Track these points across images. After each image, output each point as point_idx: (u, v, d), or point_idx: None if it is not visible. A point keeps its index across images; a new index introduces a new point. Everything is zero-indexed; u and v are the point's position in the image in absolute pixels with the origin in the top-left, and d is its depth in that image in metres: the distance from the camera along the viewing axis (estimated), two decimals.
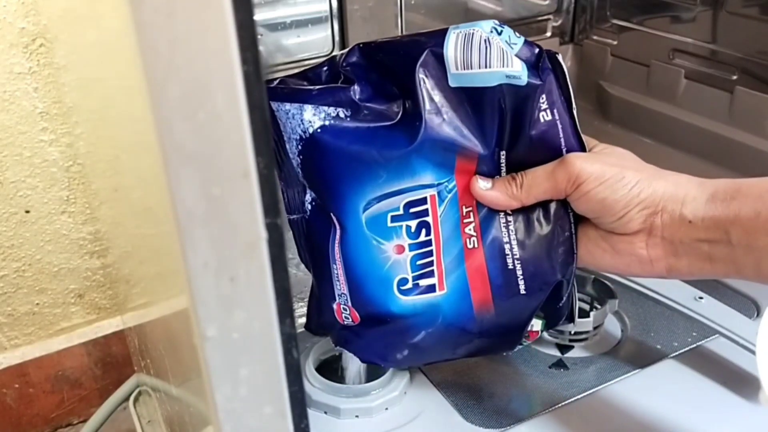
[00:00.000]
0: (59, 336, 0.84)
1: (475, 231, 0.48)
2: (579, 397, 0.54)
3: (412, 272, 0.47)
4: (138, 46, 0.22)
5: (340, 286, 0.49)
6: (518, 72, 0.45)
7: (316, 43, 0.83)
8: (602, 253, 0.46)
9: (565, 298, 0.50)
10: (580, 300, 0.63)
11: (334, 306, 0.50)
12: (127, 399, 0.80)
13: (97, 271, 0.83)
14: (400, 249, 0.47)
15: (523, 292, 0.48)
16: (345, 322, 0.50)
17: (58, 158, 0.76)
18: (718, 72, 0.78)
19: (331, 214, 0.47)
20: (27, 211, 0.76)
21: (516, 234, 0.48)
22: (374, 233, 0.47)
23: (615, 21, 0.88)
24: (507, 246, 0.48)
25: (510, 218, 0.48)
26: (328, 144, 0.46)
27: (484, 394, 0.55)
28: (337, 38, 0.84)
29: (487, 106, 0.46)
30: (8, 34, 0.69)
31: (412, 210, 0.47)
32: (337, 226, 0.47)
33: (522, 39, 0.46)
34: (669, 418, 0.52)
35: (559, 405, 0.54)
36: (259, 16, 0.80)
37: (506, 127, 0.47)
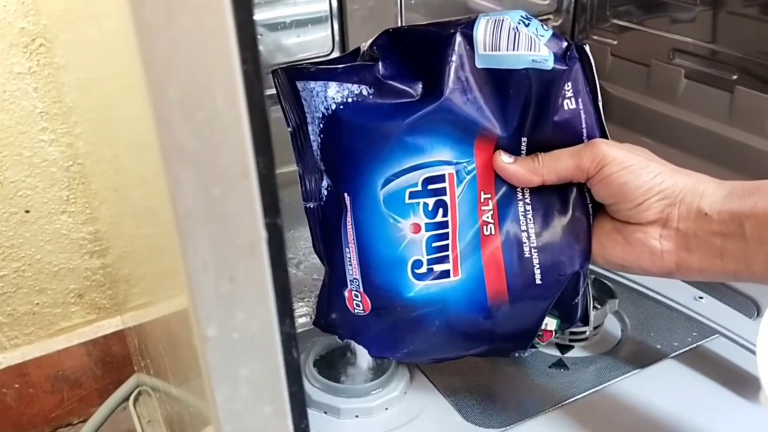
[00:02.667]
0: (59, 336, 0.84)
1: (492, 218, 0.48)
2: (579, 397, 0.54)
3: (427, 255, 0.47)
4: (138, 46, 0.22)
5: (353, 270, 0.48)
6: (545, 56, 0.45)
7: (316, 43, 0.83)
8: (613, 245, 0.46)
9: (581, 294, 0.49)
10: None
11: (346, 293, 0.49)
12: (127, 399, 0.80)
13: (97, 271, 0.83)
14: (417, 228, 0.47)
15: (539, 281, 0.48)
16: (356, 311, 0.49)
17: (58, 158, 0.76)
18: (718, 72, 0.78)
19: (346, 195, 0.47)
20: (27, 211, 0.76)
21: (534, 223, 0.48)
22: (391, 210, 0.47)
23: (615, 21, 0.88)
24: (524, 234, 0.48)
25: (528, 207, 0.48)
26: (349, 120, 0.46)
27: (484, 394, 0.55)
28: (337, 38, 0.84)
29: (512, 89, 0.46)
30: (8, 34, 0.69)
31: (431, 186, 0.46)
32: (349, 208, 0.47)
33: (550, 31, 0.47)
34: (669, 418, 0.52)
35: (559, 405, 0.54)
36: (259, 16, 0.80)
37: (529, 111, 0.47)
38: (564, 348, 0.60)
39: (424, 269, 0.47)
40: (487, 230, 0.48)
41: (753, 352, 0.52)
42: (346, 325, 0.51)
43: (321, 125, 0.47)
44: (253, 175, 0.24)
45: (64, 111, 0.73)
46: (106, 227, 0.74)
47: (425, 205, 0.47)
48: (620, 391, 0.55)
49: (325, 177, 0.49)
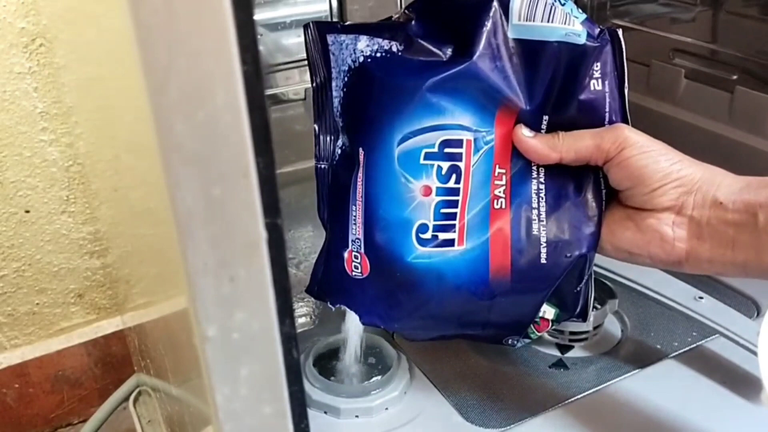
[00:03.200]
0: (59, 336, 0.84)
1: (504, 193, 0.47)
2: (579, 397, 0.54)
3: (434, 220, 0.46)
4: (138, 46, 0.22)
5: (356, 230, 0.48)
6: (578, 31, 0.46)
7: None
8: (623, 231, 0.46)
9: (584, 282, 0.49)
10: None
11: (345, 255, 0.49)
12: (127, 399, 0.80)
13: (97, 271, 0.83)
14: (427, 191, 0.46)
15: (544, 261, 0.47)
16: (353, 273, 0.49)
17: (58, 158, 0.76)
18: (718, 72, 0.78)
19: (361, 150, 0.47)
20: (27, 211, 0.76)
21: (545, 202, 0.47)
22: (404, 169, 0.46)
23: (615, 21, 0.88)
24: (535, 212, 0.47)
25: (542, 186, 0.47)
26: (375, 73, 0.46)
27: (484, 394, 0.55)
28: None
29: (542, 61, 0.46)
30: (8, 34, 0.69)
31: (447, 150, 0.46)
32: (362, 164, 0.47)
33: (584, 15, 0.47)
34: (669, 418, 0.52)
35: (559, 405, 0.54)
36: (259, 16, 0.80)
37: (555, 87, 0.47)
38: (564, 348, 0.60)
39: (428, 235, 0.47)
40: (497, 204, 0.47)
41: (753, 352, 0.52)
42: (341, 289, 0.50)
43: (346, 78, 0.48)
44: (253, 175, 0.24)
45: (64, 111, 0.73)
46: (106, 227, 0.74)
47: (439, 168, 0.46)
48: (620, 391, 0.55)
49: (341, 136, 0.49)
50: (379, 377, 0.54)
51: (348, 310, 0.51)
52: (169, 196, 0.23)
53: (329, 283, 0.51)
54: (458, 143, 0.46)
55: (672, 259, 0.45)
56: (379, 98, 0.46)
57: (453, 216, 0.47)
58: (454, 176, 0.46)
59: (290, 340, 0.27)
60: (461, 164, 0.46)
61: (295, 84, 0.85)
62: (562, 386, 0.56)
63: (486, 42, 0.46)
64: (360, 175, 0.47)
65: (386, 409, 0.54)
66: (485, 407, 0.54)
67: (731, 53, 0.77)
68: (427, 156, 0.46)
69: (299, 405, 0.29)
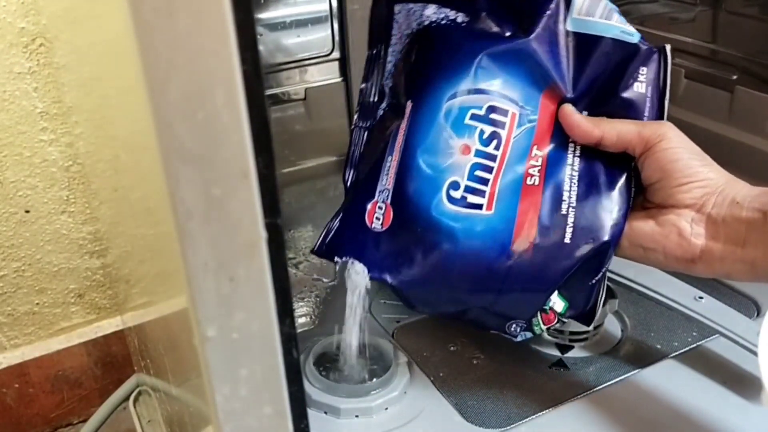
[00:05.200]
0: (59, 336, 0.84)
1: (538, 173, 0.48)
2: (579, 397, 0.54)
3: (467, 180, 0.47)
4: (138, 46, 0.22)
5: (387, 180, 0.48)
6: (632, 32, 0.49)
7: (316, 43, 0.83)
8: (642, 225, 0.47)
9: (598, 277, 0.49)
10: None
11: (369, 206, 0.49)
12: (127, 399, 0.80)
13: (97, 271, 0.83)
14: (467, 150, 0.47)
15: (567, 240, 0.47)
16: (373, 225, 0.49)
17: (57, 158, 0.76)
18: (718, 72, 0.78)
19: (409, 102, 0.49)
20: (27, 211, 0.76)
21: (578, 188, 0.48)
22: (449, 125, 0.48)
23: None
24: (566, 194, 0.48)
25: (575, 173, 0.48)
26: (438, 33, 0.49)
27: (484, 394, 0.55)
28: (337, 38, 0.84)
29: (593, 55, 0.49)
30: (8, 34, 0.69)
31: (492, 116, 0.48)
32: (407, 115, 0.48)
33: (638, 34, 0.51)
34: (669, 418, 0.52)
35: (559, 405, 0.54)
36: (259, 16, 0.80)
37: (600, 81, 0.49)
38: (564, 348, 0.60)
39: (459, 194, 0.47)
40: (530, 180, 0.48)
41: (753, 352, 0.52)
42: (354, 242, 0.50)
43: (407, 41, 0.51)
44: (253, 175, 0.24)
45: (64, 111, 0.74)
46: (106, 227, 0.74)
47: (482, 131, 0.48)
48: (620, 391, 0.55)
49: (385, 98, 0.52)
50: (379, 377, 0.54)
51: (355, 265, 0.50)
52: (169, 196, 0.23)
53: (341, 237, 0.50)
54: (504, 113, 0.48)
55: (687, 256, 0.45)
56: (437, 55, 0.49)
57: (486, 181, 0.47)
58: (494, 142, 0.48)
59: (290, 340, 0.27)
60: (503, 133, 0.48)
61: (295, 84, 0.85)
62: (562, 386, 0.56)
63: (545, 25, 0.49)
64: (403, 126, 0.49)
65: (386, 409, 0.54)
66: (485, 407, 0.54)
67: (731, 53, 0.77)
68: (473, 117, 0.48)
69: (299, 405, 0.29)
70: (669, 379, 0.55)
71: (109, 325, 0.86)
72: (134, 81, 0.23)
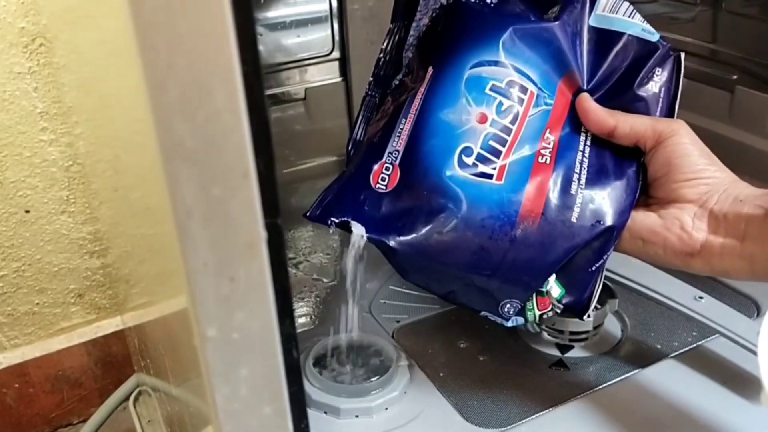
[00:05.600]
0: (59, 336, 0.84)
1: (550, 153, 0.49)
2: (579, 397, 0.54)
3: (480, 148, 0.48)
4: (138, 46, 0.22)
5: (398, 142, 0.49)
6: (653, 31, 0.51)
7: (316, 43, 0.83)
8: (644, 218, 0.47)
9: (598, 265, 0.49)
10: None
11: (375, 167, 0.49)
12: (127, 399, 0.80)
13: (97, 271, 0.83)
14: (483, 118, 0.48)
15: (574, 219, 0.47)
16: (377, 185, 0.48)
17: (57, 158, 0.75)
18: (718, 72, 0.78)
19: (430, 68, 0.50)
20: (27, 211, 0.76)
21: (588, 172, 0.49)
22: (469, 92, 0.48)
23: None
24: (576, 175, 0.49)
25: (585, 160, 0.49)
26: (467, 9, 0.51)
27: (484, 394, 0.55)
28: (337, 38, 0.84)
29: (613, 50, 0.51)
30: (8, 34, 0.69)
31: (512, 90, 0.49)
32: (427, 81, 0.49)
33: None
34: (669, 418, 0.52)
35: (559, 405, 0.54)
36: (259, 15, 0.80)
37: (616, 75, 0.51)
38: (564, 348, 0.60)
39: (471, 160, 0.47)
40: (542, 159, 0.49)
41: (753, 352, 0.52)
42: (354, 204, 0.49)
43: (433, 14, 0.52)
44: (253, 175, 0.24)
45: (64, 111, 0.73)
46: (106, 227, 0.74)
47: (500, 103, 0.48)
48: (620, 391, 0.55)
49: (402, 70, 0.53)
50: (379, 377, 0.54)
51: (353, 225, 0.49)
52: (169, 195, 0.23)
53: (340, 198, 0.50)
54: (523, 90, 0.49)
55: (686, 250, 0.45)
56: (465, 26, 0.50)
57: (498, 153, 0.48)
58: (511, 116, 0.49)
59: (290, 340, 0.27)
60: (520, 109, 0.49)
61: (295, 84, 0.85)
62: (562, 386, 0.56)
63: (570, 16, 0.51)
64: (422, 90, 0.49)
65: (386, 409, 0.54)
66: (485, 407, 0.54)
67: (731, 53, 0.77)
68: (493, 88, 0.49)
69: (299, 405, 0.29)
70: (669, 379, 0.55)
71: (109, 325, 0.86)
72: (134, 81, 0.23)
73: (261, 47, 0.23)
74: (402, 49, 0.54)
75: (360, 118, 0.54)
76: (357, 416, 0.53)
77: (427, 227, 0.47)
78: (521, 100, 0.49)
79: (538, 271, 0.48)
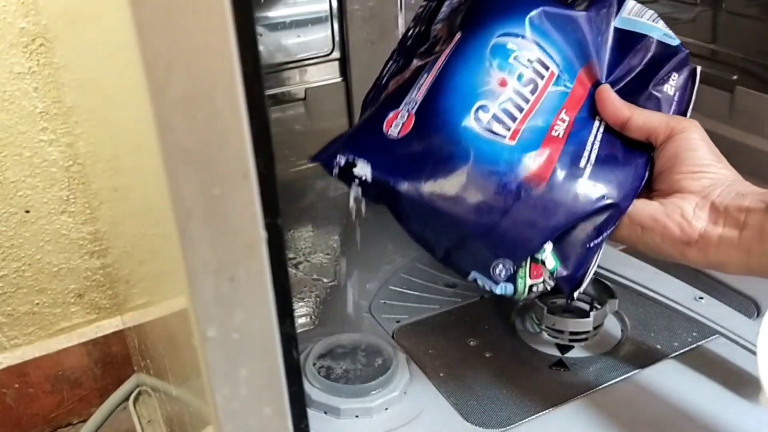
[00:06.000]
0: (59, 336, 0.84)
1: (564, 129, 0.49)
2: (579, 397, 0.54)
3: (498, 109, 0.48)
4: (138, 46, 0.22)
5: (417, 93, 0.50)
6: (674, 37, 0.54)
7: (316, 43, 0.83)
8: (645, 205, 0.48)
9: (597, 241, 0.48)
10: (580, 300, 0.63)
11: (390, 114, 0.49)
12: (127, 399, 0.80)
13: (97, 271, 0.83)
14: (504, 83, 0.49)
15: (578, 191, 0.48)
16: (389, 131, 0.49)
17: (57, 158, 0.76)
18: (718, 72, 0.78)
19: (459, 33, 0.51)
20: (27, 211, 0.76)
21: (598, 151, 0.49)
22: (493, 57, 0.50)
23: None
24: (586, 152, 0.49)
25: (597, 144, 0.50)
26: None
27: (484, 394, 0.55)
28: (337, 38, 0.84)
29: (633, 49, 0.53)
30: (8, 34, 0.69)
31: (535, 65, 0.50)
32: (453, 44, 0.50)
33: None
34: (669, 418, 0.52)
35: (559, 405, 0.54)
36: (259, 15, 0.80)
37: (634, 72, 0.53)
38: (564, 348, 0.60)
39: (486, 118, 0.48)
40: (554, 132, 0.49)
41: (753, 352, 0.52)
42: (362, 146, 0.49)
43: None
44: (253, 176, 0.24)
45: (64, 111, 0.74)
46: (106, 227, 0.74)
47: (522, 73, 0.49)
48: (620, 391, 0.55)
49: (429, 40, 0.55)
50: (379, 377, 0.54)
51: (359, 166, 0.48)
52: (169, 196, 0.23)
53: (349, 142, 0.50)
54: (545, 67, 0.50)
55: (684, 239, 0.45)
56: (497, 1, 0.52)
57: (513, 118, 0.49)
58: (530, 86, 0.49)
59: (290, 340, 0.27)
60: (540, 83, 0.50)
61: (295, 84, 0.85)
62: (562, 386, 0.56)
63: (597, 12, 0.53)
64: (447, 50, 0.51)
65: (386, 409, 0.54)
66: (485, 407, 0.54)
67: (731, 53, 0.77)
68: (517, 59, 0.50)
69: (299, 405, 0.29)
70: (669, 379, 0.55)
71: (109, 325, 0.86)
72: (134, 81, 0.23)
73: (261, 47, 0.23)
74: (432, 22, 0.55)
75: (380, 76, 0.56)
76: (357, 416, 0.53)
77: (435, 173, 0.47)
78: (542, 76, 0.50)
79: (538, 232, 0.47)
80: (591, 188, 0.48)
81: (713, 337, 0.58)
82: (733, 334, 0.55)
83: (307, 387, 0.54)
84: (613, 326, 0.62)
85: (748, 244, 0.43)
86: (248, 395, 0.27)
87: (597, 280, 0.62)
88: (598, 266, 0.59)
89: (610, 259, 0.59)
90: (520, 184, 0.47)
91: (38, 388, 0.83)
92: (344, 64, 0.85)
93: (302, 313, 0.65)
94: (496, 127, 0.48)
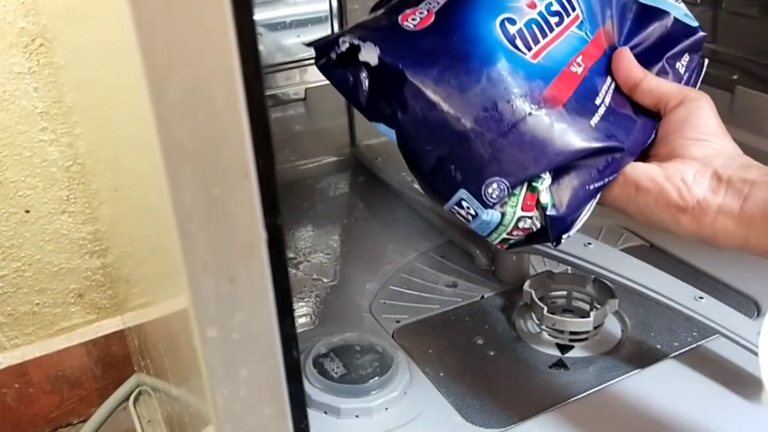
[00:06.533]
0: (59, 336, 0.84)
1: (580, 73, 0.49)
2: (579, 397, 0.54)
3: (523, 25, 0.47)
4: (138, 45, 0.22)
5: None
6: (693, 18, 0.54)
7: None
8: (646, 165, 0.46)
9: (597, 185, 0.46)
10: (580, 300, 0.63)
11: (407, 11, 0.48)
12: (127, 399, 0.80)
13: (97, 271, 0.83)
14: (533, 5, 0.48)
15: (592, 124, 0.46)
16: (404, 23, 0.47)
17: (57, 158, 0.75)
18: (718, 72, 0.78)
19: None
20: (27, 211, 0.76)
21: (610, 102, 0.49)
22: None
23: None
24: (602, 93, 0.49)
25: (609, 96, 0.49)
26: None
27: (484, 394, 0.55)
28: None
29: (652, 23, 0.53)
30: (8, 34, 0.69)
31: (563, 0, 0.50)
32: None
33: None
34: (669, 418, 0.52)
35: (559, 405, 0.54)
36: (259, 15, 0.80)
37: (649, 44, 0.52)
38: (564, 348, 0.60)
39: (512, 30, 0.47)
40: (573, 69, 0.48)
41: (753, 352, 0.52)
42: (372, 31, 0.47)
43: None
44: (253, 175, 0.24)
45: (64, 111, 0.74)
46: (106, 227, 0.74)
47: (551, 3, 0.49)
48: (620, 391, 0.55)
49: None
50: (379, 377, 0.54)
51: (364, 51, 0.46)
52: (169, 195, 0.23)
53: (357, 28, 0.48)
54: (572, 7, 0.50)
55: (680, 203, 0.44)
56: None
57: (536, 40, 0.48)
58: (556, 18, 0.49)
59: (290, 340, 0.27)
60: (566, 19, 0.49)
61: (295, 84, 0.85)
62: (562, 386, 0.56)
63: None
64: None
65: (386, 409, 0.54)
66: (485, 407, 0.54)
67: (731, 53, 0.77)
68: None
69: (299, 405, 0.29)
70: (669, 379, 0.56)
71: (110, 325, 0.86)
72: (134, 81, 0.23)
73: (261, 47, 0.23)
74: None
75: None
76: (357, 416, 0.53)
77: (449, 69, 0.45)
78: (568, 14, 0.50)
79: (543, 155, 0.44)
80: (603, 126, 0.46)
81: (713, 337, 0.58)
82: (733, 334, 0.55)
83: (308, 387, 0.54)
84: (613, 326, 0.62)
85: (750, 217, 0.42)
86: (248, 395, 0.27)
87: (597, 280, 0.62)
88: (599, 266, 0.59)
89: (610, 259, 0.59)
90: (534, 101, 0.45)
91: (38, 388, 0.83)
92: None
93: (302, 312, 0.65)
94: (519, 43, 0.47)
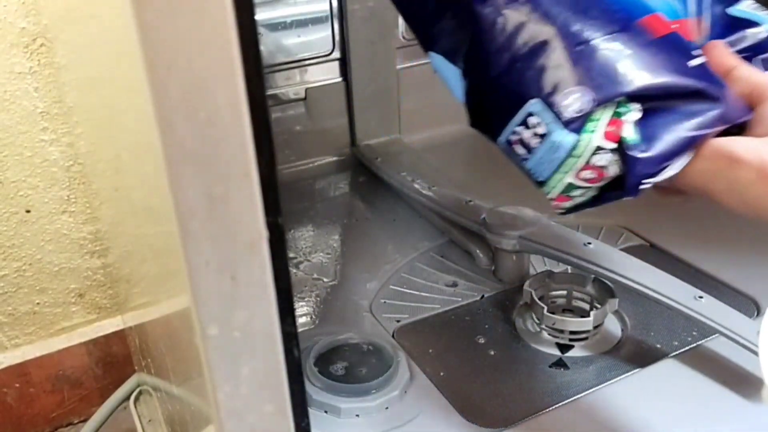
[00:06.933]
0: (60, 335, 0.84)
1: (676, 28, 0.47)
2: (579, 396, 0.54)
3: None
4: (139, 45, 0.22)
5: None
6: None
7: (316, 43, 0.83)
8: (743, 137, 0.42)
9: (692, 134, 0.40)
10: (580, 300, 0.63)
11: None
12: (127, 398, 0.80)
13: (98, 271, 0.83)
14: None
15: (689, 64, 0.42)
16: None
17: (58, 158, 0.76)
18: None
19: None
20: (27, 211, 0.76)
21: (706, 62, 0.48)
22: None
23: None
24: (695, 52, 0.46)
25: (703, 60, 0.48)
26: None
27: (484, 393, 0.55)
28: (337, 38, 0.84)
29: (738, 31, 0.50)
30: (9, 34, 0.69)
31: None
32: None
33: None
34: (669, 418, 0.52)
35: (559, 405, 0.54)
36: (260, 15, 0.80)
37: (739, 50, 0.50)
38: (564, 348, 0.60)
39: None
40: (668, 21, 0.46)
41: (753, 352, 0.52)
42: None
43: None
44: (255, 175, 0.24)
45: (65, 111, 0.74)
46: (106, 227, 0.74)
47: None
48: (620, 391, 0.55)
49: None
50: (379, 377, 0.54)
51: None
52: (170, 195, 0.23)
53: None
54: None
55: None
56: None
57: None
58: None
59: (291, 338, 0.27)
60: None
61: (295, 84, 0.85)
62: (562, 386, 0.56)
63: None
64: None
65: (386, 408, 0.54)
66: (485, 407, 0.54)
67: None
68: None
69: (300, 403, 0.29)
70: (669, 379, 0.56)
71: (110, 324, 0.86)
72: (136, 81, 0.23)
73: (261, 47, 0.23)
74: None
75: None
76: (357, 416, 0.53)
77: None
78: None
79: (637, 72, 0.39)
80: (700, 72, 0.41)
81: (713, 336, 0.58)
82: (733, 334, 0.55)
83: (308, 386, 0.54)
84: (613, 326, 0.62)
85: None
86: (250, 394, 0.27)
87: (597, 280, 0.62)
88: (599, 266, 0.59)
89: (610, 259, 0.59)
90: (634, 20, 0.41)
91: (39, 387, 0.83)
92: (344, 64, 0.85)
93: (303, 312, 0.65)
94: None
